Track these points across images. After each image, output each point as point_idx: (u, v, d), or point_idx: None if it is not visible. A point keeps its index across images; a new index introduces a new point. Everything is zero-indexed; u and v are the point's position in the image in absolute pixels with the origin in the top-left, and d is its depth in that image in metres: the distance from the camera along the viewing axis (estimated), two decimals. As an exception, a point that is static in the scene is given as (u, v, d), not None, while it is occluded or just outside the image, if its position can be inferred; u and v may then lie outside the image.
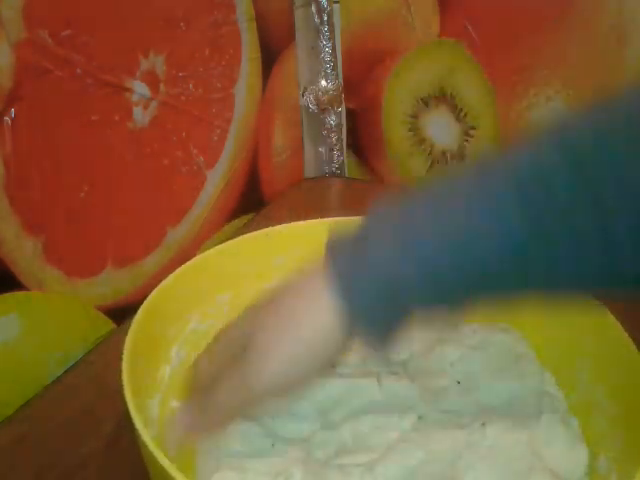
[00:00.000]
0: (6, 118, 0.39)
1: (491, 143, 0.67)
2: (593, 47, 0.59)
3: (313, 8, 0.65)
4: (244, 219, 0.64)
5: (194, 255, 0.58)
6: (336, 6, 0.67)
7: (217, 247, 0.40)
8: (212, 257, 0.40)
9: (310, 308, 0.30)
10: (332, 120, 0.71)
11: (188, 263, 0.38)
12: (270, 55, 0.63)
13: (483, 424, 0.34)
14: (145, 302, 0.35)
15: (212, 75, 0.55)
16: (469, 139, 0.68)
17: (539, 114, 0.64)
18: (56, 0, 0.40)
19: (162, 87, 0.50)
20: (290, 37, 0.67)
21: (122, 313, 0.51)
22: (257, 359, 0.30)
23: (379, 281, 0.27)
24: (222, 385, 0.31)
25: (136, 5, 0.46)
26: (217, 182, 0.58)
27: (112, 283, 0.50)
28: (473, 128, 0.68)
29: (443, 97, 0.68)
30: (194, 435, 0.33)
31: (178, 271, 0.38)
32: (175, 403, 0.36)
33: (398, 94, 0.69)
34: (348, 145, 0.75)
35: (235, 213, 0.62)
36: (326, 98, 0.68)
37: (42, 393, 0.44)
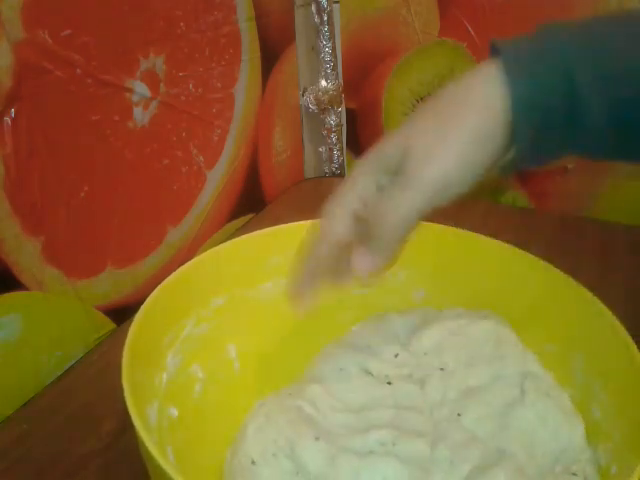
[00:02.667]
0: (6, 118, 0.39)
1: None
2: (593, 47, 0.59)
3: (313, 8, 0.65)
4: (244, 219, 0.64)
5: (194, 255, 0.58)
6: (336, 6, 0.67)
7: (212, 249, 0.40)
8: (207, 260, 0.39)
9: (475, 98, 0.29)
10: (332, 120, 0.71)
11: (182, 267, 0.38)
12: (270, 55, 0.63)
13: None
14: (140, 310, 0.34)
15: (212, 75, 0.55)
16: (469, 139, 0.68)
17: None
18: (56, 0, 0.40)
19: (162, 87, 0.50)
20: (290, 37, 0.67)
21: (122, 313, 0.51)
22: (419, 163, 0.29)
23: (554, 70, 0.27)
24: (383, 207, 0.30)
25: (136, 5, 0.46)
26: (217, 182, 0.58)
27: (112, 283, 0.50)
28: (473, 128, 0.68)
29: (443, 97, 0.68)
30: (376, 274, 0.31)
31: (173, 276, 0.37)
32: (173, 410, 0.35)
33: (398, 94, 0.69)
34: (348, 145, 0.75)
35: (235, 213, 0.62)
36: (326, 98, 0.69)
37: (42, 393, 0.44)
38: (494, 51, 0.29)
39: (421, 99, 0.69)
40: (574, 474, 0.31)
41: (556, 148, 0.30)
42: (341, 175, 0.75)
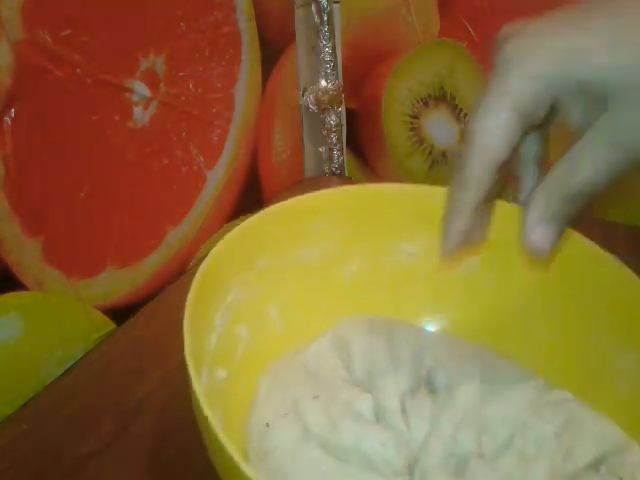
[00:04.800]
0: (6, 118, 0.39)
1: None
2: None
3: (313, 8, 0.65)
4: (244, 219, 0.64)
5: (194, 255, 0.59)
6: (336, 6, 0.67)
7: (259, 213, 0.39)
8: (254, 224, 0.39)
9: None
10: (332, 120, 0.71)
11: (232, 231, 0.37)
12: (270, 55, 0.63)
13: None
14: (198, 271, 0.34)
15: (212, 75, 0.55)
16: (469, 139, 0.68)
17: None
18: (56, 0, 0.40)
19: (162, 87, 0.50)
20: (290, 37, 0.67)
21: (122, 313, 0.51)
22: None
23: None
24: (574, 152, 0.25)
25: (136, 5, 0.46)
26: (217, 182, 0.58)
27: (112, 283, 0.50)
28: (473, 128, 0.68)
29: (443, 97, 0.68)
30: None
31: (227, 238, 0.37)
32: (221, 372, 0.35)
33: (398, 94, 0.70)
34: (348, 145, 0.75)
35: (235, 213, 0.62)
36: (326, 98, 0.69)
37: (42, 393, 0.44)
38: None
39: (421, 99, 0.69)
40: (613, 474, 0.31)
41: None
42: (341, 175, 0.75)
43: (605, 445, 0.31)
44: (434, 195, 0.39)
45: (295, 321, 0.41)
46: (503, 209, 0.32)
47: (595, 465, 0.31)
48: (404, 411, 0.35)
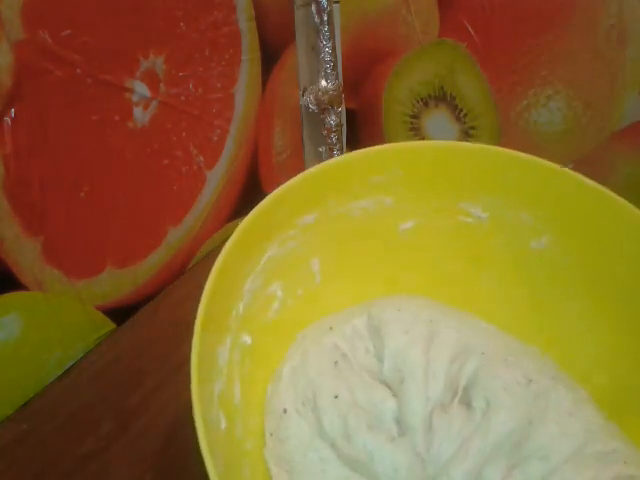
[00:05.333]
0: (6, 118, 0.39)
1: (491, 143, 0.67)
2: (593, 47, 0.59)
3: (313, 8, 0.65)
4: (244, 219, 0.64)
5: (194, 255, 0.59)
6: (336, 6, 0.67)
7: (308, 170, 0.37)
8: (300, 181, 0.37)
9: None
10: (332, 120, 0.71)
11: (271, 195, 0.35)
12: (270, 55, 0.63)
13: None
14: (228, 242, 0.32)
15: (212, 75, 0.55)
16: (469, 139, 0.68)
17: (539, 114, 0.64)
18: (56, 0, 0.40)
19: (162, 87, 0.50)
20: (290, 37, 0.67)
21: (122, 313, 0.51)
22: None
23: None
24: None
25: (136, 5, 0.46)
26: (217, 182, 0.58)
27: (112, 283, 0.50)
28: (473, 128, 0.68)
29: (443, 97, 0.68)
30: None
31: (261, 204, 0.35)
32: (247, 338, 0.34)
33: (398, 94, 0.69)
34: (348, 145, 0.75)
35: (235, 213, 0.62)
36: (326, 98, 0.68)
37: (42, 393, 0.44)
38: None
39: (421, 99, 0.69)
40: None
41: None
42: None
43: None
44: (504, 157, 0.38)
45: (334, 276, 0.39)
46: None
47: None
48: (430, 426, 0.32)
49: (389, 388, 0.35)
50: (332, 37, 0.67)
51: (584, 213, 0.36)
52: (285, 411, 0.33)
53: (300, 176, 0.37)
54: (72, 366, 0.47)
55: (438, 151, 0.39)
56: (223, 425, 0.29)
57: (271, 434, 0.33)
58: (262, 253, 0.36)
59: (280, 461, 0.31)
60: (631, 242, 0.34)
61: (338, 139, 0.73)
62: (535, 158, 0.38)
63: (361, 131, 0.75)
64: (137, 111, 0.48)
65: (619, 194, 0.66)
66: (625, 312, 0.34)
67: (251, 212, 0.34)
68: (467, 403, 0.34)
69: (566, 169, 0.38)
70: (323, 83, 0.68)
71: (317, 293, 0.39)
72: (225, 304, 0.33)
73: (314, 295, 0.39)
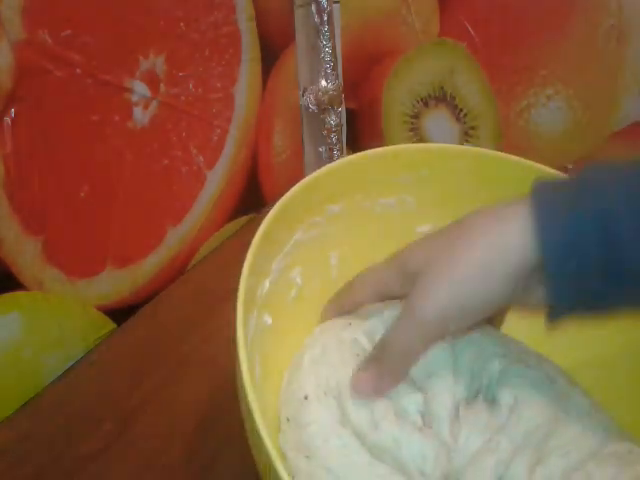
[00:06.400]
0: (6, 118, 0.39)
1: (491, 143, 0.67)
2: (593, 47, 0.59)
3: (313, 8, 0.65)
4: (244, 219, 0.64)
5: (194, 255, 0.59)
6: (336, 6, 0.67)
7: (344, 159, 0.39)
8: (336, 168, 0.38)
9: (498, 235, 0.27)
10: (332, 120, 0.71)
11: (304, 180, 0.37)
12: (270, 55, 0.63)
13: None
14: (266, 219, 0.33)
15: (212, 75, 0.55)
16: (469, 139, 0.68)
17: (539, 114, 0.64)
18: (56, 0, 0.40)
19: (162, 87, 0.50)
20: (290, 37, 0.67)
21: (122, 313, 0.51)
22: (420, 294, 0.28)
23: (592, 216, 0.24)
24: (387, 336, 0.30)
25: (136, 5, 0.46)
26: (217, 182, 0.58)
27: (112, 283, 0.50)
28: (473, 128, 0.68)
29: (443, 97, 0.68)
30: (379, 395, 0.32)
31: (296, 187, 0.36)
32: (267, 318, 0.35)
33: (398, 94, 0.69)
34: (348, 145, 0.75)
35: (235, 213, 0.62)
36: (326, 98, 0.68)
37: (42, 393, 0.44)
38: (531, 191, 0.28)
39: (421, 99, 0.69)
40: None
41: (599, 299, 0.27)
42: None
43: None
44: (528, 169, 0.38)
45: (353, 270, 0.39)
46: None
47: None
48: (456, 418, 0.33)
49: (413, 382, 0.35)
50: (332, 37, 0.67)
51: None
52: (306, 397, 0.33)
53: (339, 162, 0.38)
54: (72, 366, 0.47)
55: (469, 158, 0.40)
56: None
57: (288, 419, 0.33)
58: (292, 234, 0.37)
59: (299, 445, 0.31)
60: None
61: (338, 139, 0.73)
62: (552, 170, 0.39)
63: (361, 131, 0.75)
64: (137, 111, 0.48)
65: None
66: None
67: (291, 189, 0.35)
68: (491, 400, 0.35)
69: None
70: (323, 83, 0.68)
71: (333, 285, 0.39)
72: (257, 278, 0.34)
73: (329, 289, 0.39)
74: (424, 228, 0.41)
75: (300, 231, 0.38)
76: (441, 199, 0.41)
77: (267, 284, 0.35)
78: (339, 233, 0.40)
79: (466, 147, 0.42)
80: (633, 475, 0.30)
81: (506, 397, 0.34)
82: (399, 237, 0.39)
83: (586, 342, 0.38)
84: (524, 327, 0.37)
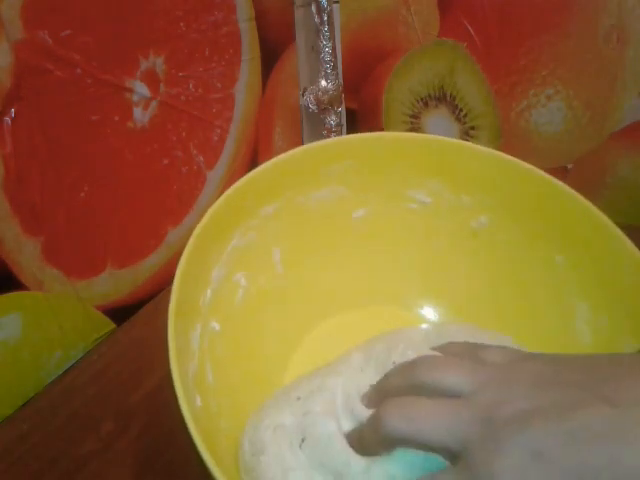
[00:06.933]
0: (6, 118, 0.39)
1: (491, 143, 0.67)
2: (593, 47, 0.59)
3: (313, 8, 0.65)
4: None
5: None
6: (336, 6, 0.67)
7: (269, 161, 0.39)
8: (261, 172, 0.39)
9: None
10: (332, 120, 0.71)
11: (234, 185, 0.38)
12: (270, 55, 0.63)
13: None
14: (194, 232, 0.35)
15: (212, 75, 0.55)
16: (469, 139, 0.68)
17: (539, 114, 0.64)
18: (56, 0, 0.40)
19: (162, 87, 0.50)
20: (290, 37, 0.67)
21: (122, 313, 0.51)
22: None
23: None
24: None
25: (136, 5, 0.46)
26: (217, 182, 0.58)
27: (112, 283, 0.50)
28: (473, 128, 0.68)
29: (443, 97, 0.68)
30: None
31: (225, 194, 0.37)
32: (215, 325, 0.36)
33: (398, 94, 0.69)
34: (348, 145, 0.75)
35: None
36: (326, 98, 0.68)
37: (42, 393, 0.44)
38: None
39: (421, 99, 0.69)
40: None
41: None
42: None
43: None
44: (449, 146, 0.41)
45: (295, 265, 0.41)
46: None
47: None
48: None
49: None
50: (332, 37, 0.67)
51: (519, 193, 0.40)
52: (299, 398, 0.33)
53: (260, 168, 0.39)
54: (72, 366, 0.47)
55: (387, 142, 0.42)
56: (198, 403, 0.31)
57: (297, 416, 0.32)
58: (227, 242, 0.38)
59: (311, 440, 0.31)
60: (560, 212, 0.39)
61: (338, 139, 0.73)
62: (469, 144, 0.41)
63: (361, 131, 0.74)
64: (137, 111, 0.48)
65: (619, 194, 0.67)
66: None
67: (218, 200, 0.36)
68: None
69: (501, 153, 0.40)
70: (323, 83, 0.68)
71: (279, 282, 0.41)
72: (195, 289, 0.35)
73: (276, 284, 0.41)
74: (359, 213, 0.43)
75: (236, 237, 0.38)
76: (370, 185, 0.42)
77: (209, 293, 0.36)
78: (278, 230, 0.40)
79: (385, 133, 0.44)
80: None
81: None
82: (338, 224, 0.42)
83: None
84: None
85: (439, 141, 0.42)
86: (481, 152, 0.41)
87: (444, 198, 0.42)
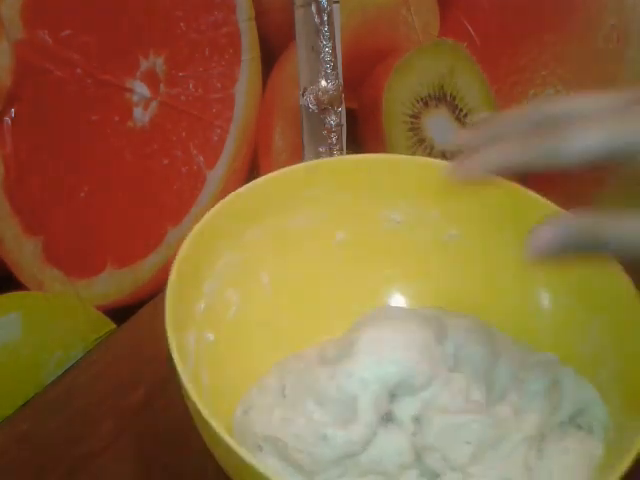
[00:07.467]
0: (6, 118, 0.39)
1: (491, 143, 0.67)
2: (593, 47, 0.59)
3: (313, 8, 0.65)
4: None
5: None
6: (336, 6, 0.67)
7: (248, 184, 0.41)
8: (244, 193, 0.41)
9: None
10: (332, 120, 0.71)
11: (222, 201, 0.39)
12: (270, 55, 0.63)
13: None
14: (187, 239, 0.36)
15: (212, 75, 0.55)
16: (469, 139, 0.68)
17: (539, 114, 0.64)
18: (56, 0, 0.40)
19: (162, 87, 0.50)
20: (290, 37, 0.67)
21: (122, 313, 0.51)
22: None
23: None
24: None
25: (136, 5, 0.46)
26: (217, 182, 0.58)
27: (112, 283, 0.50)
28: (473, 128, 0.68)
29: (443, 97, 0.68)
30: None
31: (213, 210, 0.39)
32: (209, 335, 0.37)
33: (398, 94, 0.69)
34: (348, 145, 0.75)
35: (235, 213, 0.62)
36: (326, 98, 0.68)
37: (42, 393, 0.44)
38: None
39: (421, 99, 0.69)
40: (579, 426, 0.33)
41: None
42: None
43: (581, 403, 0.34)
44: (419, 165, 0.43)
45: (283, 290, 0.42)
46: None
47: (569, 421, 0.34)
48: None
49: None
50: (332, 37, 0.67)
51: (487, 204, 0.41)
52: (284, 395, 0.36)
53: (239, 191, 0.40)
54: (72, 366, 0.47)
55: (358, 164, 0.44)
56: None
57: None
58: (219, 257, 0.39)
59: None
60: (523, 218, 0.38)
61: (338, 139, 0.73)
62: (433, 160, 0.43)
63: (361, 131, 0.74)
64: (137, 111, 0.48)
65: (618, 194, 0.67)
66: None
67: (206, 214, 0.38)
68: None
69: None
70: (323, 83, 0.68)
71: (269, 303, 0.42)
72: (189, 296, 0.36)
73: (267, 306, 0.42)
74: (340, 236, 0.44)
75: (228, 254, 0.39)
76: (347, 207, 0.43)
77: (203, 305, 0.37)
78: (265, 253, 0.42)
79: (360, 156, 0.45)
80: (553, 377, 0.35)
81: (450, 347, 0.38)
82: (321, 248, 0.44)
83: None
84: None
85: (405, 160, 0.44)
86: (442, 166, 0.42)
87: (414, 215, 0.44)
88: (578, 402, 0.34)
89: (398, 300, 0.46)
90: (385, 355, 0.35)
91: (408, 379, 0.34)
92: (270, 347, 0.41)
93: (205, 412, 0.27)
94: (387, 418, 0.35)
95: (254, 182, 0.41)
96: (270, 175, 0.42)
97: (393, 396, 0.35)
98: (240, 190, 0.40)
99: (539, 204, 0.41)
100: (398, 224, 0.44)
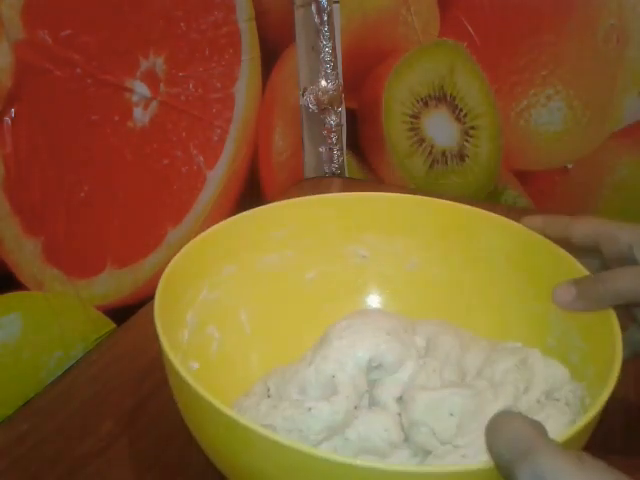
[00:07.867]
0: (6, 118, 0.39)
1: (491, 143, 0.67)
2: (593, 47, 0.59)
3: (313, 8, 0.65)
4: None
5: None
6: (336, 6, 0.67)
7: (224, 221, 0.42)
8: (220, 231, 0.41)
9: None
10: (332, 120, 0.71)
11: (198, 236, 0.40)
12: (270, 55, 0.63)
13: None
14: (166, 269, 0.36)
15: (212, 75, 0.55)
16: (469, 139, 0.68)
17: (539, 114, 0.64)
18: (56, 0, 0.40)
19: (162, 87, 0.50)
20: (290, 37, 0.67)
21: (122, 313, 0.51)
22: None
23: None
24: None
25: (136, 5, 0.46)
26: (217, 182, 0.58)
27: (112, 283, 0.50)
28: (473, 128, 0.68)
29: (443, 97, 0.68)
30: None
31: (193, 241, 0.39)
32: (194, 364, 0.37)
33: (398, 94, 0.70)
34: (348, 145, 0.75)
35: (235, 213, 0.62)
36: (326, 98, 0.69)
37: (42, 393, 0.44)
38: None
39: (421, 99, 0.69)
40: (557, 399, 0.35)
41: None
42: (341, 175, 0.75)
43: (552, 378, 0.36)
44: (381, 201, 0.45)
45: (264, 325, 0.43)
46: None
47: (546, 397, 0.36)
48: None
49: None
50: (332, 37, 0.67)
51: (446, 228, 0.44)
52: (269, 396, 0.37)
53: (217, 226, 0.41)
54: (72, 366, 0.47)
55: (322, 204, 0.45)
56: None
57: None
58: (198, 291, 0.40)
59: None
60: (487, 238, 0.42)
61: (338, 139, 0.73)
62: (391, 195, 0.45)
63: (361, 131, 0.75)
64: (137, 111, 0.48)
65: (618, 194, 0.67)
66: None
67: (182, 249, 0.38)
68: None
69: (425, 198, 0.44)
70: (323, 83, 0.68)
71: (249, 340, 0.42)
72: (175, 326, 0.37)
73: (247, 344, 0.42)
74: (311, 274, 0.45)
75: (205, 291, 0.40)
76: (314, 246, 0.45)
77: (186, 334, 0.38)
78: (241, 291, 0.43)
79: (330, 195, 0.47)
80: (522, 358, 0.37)
81: (422, 340, 0.41)
82: (293, 286, 0.45)
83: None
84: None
85: (365, 197, 0.46)
86: (402, 199, 0.45)
87: (379, 249, 0.46)
88: (549, 377, 0.35)
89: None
90: (356, 338, 0.38)
91: (379, 357, 0.37)
92: (252, 374, 0.41)
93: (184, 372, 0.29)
94: (371, 402, 0.37)
95: (229, 219, 0.42)
96: (244, 214, 0.43)
97: (373, 381, 0.37)
98: (216, 227, 0.41)
99: (490, 228, 0.42)
100: (364, 258, 0.46)
